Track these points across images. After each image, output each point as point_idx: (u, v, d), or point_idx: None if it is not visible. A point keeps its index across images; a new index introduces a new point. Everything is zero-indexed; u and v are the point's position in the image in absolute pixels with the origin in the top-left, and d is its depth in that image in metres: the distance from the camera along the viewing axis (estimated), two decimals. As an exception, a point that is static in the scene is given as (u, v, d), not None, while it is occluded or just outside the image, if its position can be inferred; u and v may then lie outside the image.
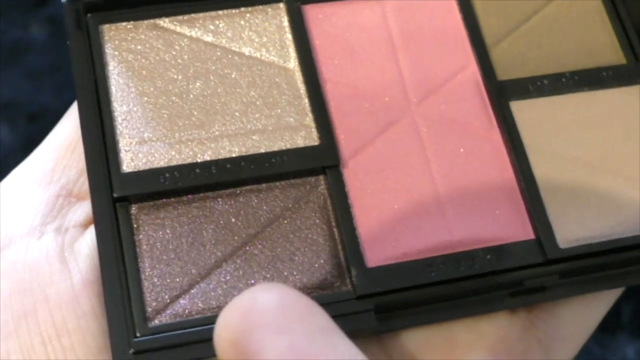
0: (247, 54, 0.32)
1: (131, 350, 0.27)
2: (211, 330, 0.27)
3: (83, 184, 0.31)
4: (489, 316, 0.30)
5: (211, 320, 0.28)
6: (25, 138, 0.50)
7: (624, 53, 0.34)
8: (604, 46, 0.34)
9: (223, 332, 0.22)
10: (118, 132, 0.30)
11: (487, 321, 0.30)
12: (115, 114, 0.30)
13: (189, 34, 0.32)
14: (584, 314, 0.31)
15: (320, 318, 0.22)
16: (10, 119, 0.51)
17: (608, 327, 0.32)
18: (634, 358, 0.44)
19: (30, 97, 0.51)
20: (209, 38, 0.32)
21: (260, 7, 0.33)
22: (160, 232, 0.29)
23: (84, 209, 0.31)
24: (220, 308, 0.28)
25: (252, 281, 0.29)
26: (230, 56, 0.32)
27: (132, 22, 0.32)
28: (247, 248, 0.29)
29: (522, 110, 0.32)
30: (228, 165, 0.30)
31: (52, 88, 0.51)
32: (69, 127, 0.32)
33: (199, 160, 0.30)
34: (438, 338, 0.30)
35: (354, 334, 0.29)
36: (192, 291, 0.28)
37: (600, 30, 0.34)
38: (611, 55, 0.34)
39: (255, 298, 0.22)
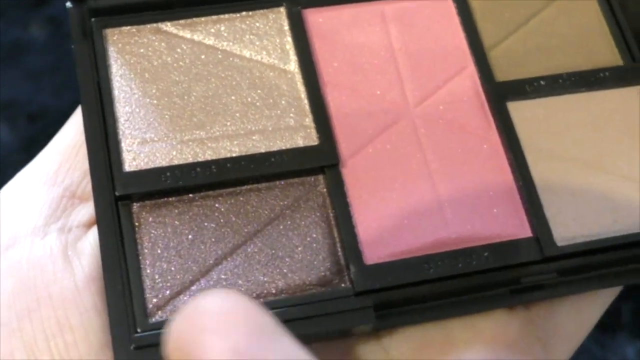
0: (248, 56, 0.33)
1: (132, 346, 0.27)
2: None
3: (86, 185, 0.31)
4: (487, 314, 0.30)
5: (211, 316, 0.28)
6: (25, 138, 0.51)
7: (620, 54, 0.34)
8: (601, 47, 0.35)
9: (170, 336, 0.23)
10: (120, 132, 0.31)
11: (485, 318, 0.30)
12: (118, 114, 0.31)
13: (190, 37, 0.33)
14: (582, 311, 0.31)
15: (262, 319, 0.22)
16: (10, 119, 0.51)
17: (608, 327, 0.32)
18: (634, 358, 0.44)
19: (30, 97, 0.51)
20: (210, 41, 0.33)
21: (261, 11, 0.33)
22: (162, 230, 0.29)
23: (87, 209, 0.31)
24: (220, 304, 0.28)
25: (252, 278, 0.29)
26: (231, 59, 0.32)
27: (135, 26, 0.33)
28: (247, 246, 0.29)
29: (520, 110, 0.33)
30: (228, 165, 0.30)
31: (52, 88, 0.52)
32: (73, 129, 0.32)
33: (199, 160, 0.30)
34: (436, 335, 0.30)
35: (353, 330, 0.29)
36: (193, 288, 0.29)
37: (597, 32, 0.35)
38: (608, 56, 0.34)
39: (198, 303, 0.22)
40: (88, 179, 0.31)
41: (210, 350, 0.21)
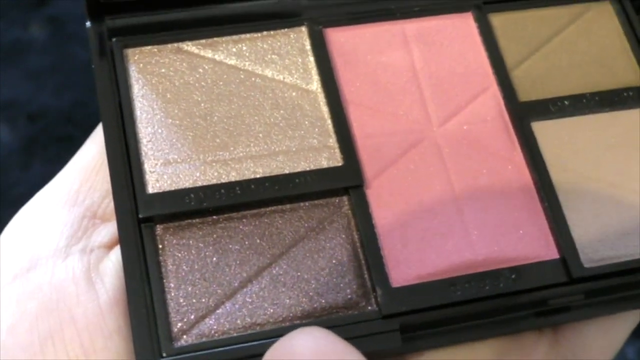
0: (270, 76, 0.32)
1: (157, 371, 0.27)
2: (236, 351, 0.28)
3: (107, 205, 0.31)
4: (515, 335, 0.30)
5: (236, 340, 0.28)
6: (25, 138, 0.50)
7: (643, 74, 0.34)
8: (623, 67, 0.34)
9: None
10: (143, 153, 0.30)
11: (512, 340, 0.30)
12: (140, 135, 0.31)
13: (212, 57, 0.32)
14: (609, 332, 0.31)
15: None
16: (10, 119, 0.51)
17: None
18: (634, 358, 0.44)
19: (30, 97, 0.51)
20: (232, 61, 0.32)
21: (283, 30, 0.33)
22: (186, 253, 0.29)
23: (108, 230, 0.31)
24: (245, 328, 0.28)
25: (278, 301, 0.29)
26: (253, 79, 0.32)
27: (156, 46, 0.32)
28: (272, 268, 0.29)
29: (544, 130, 0.32)
30: (252, 186, 0.30)
31: (52, 88, 0.51)
32: (93, 149, 0.32)
33: (223, 181, 0.30)
34: (463, 358, 0.30)
35: (379, 353, 0.29)
36: (218, 311, 0.28)
37: (619, 51, 0.35)
38: (631, 75, 0.34)
39: (293, 343, 0.24)
40: (109, 198, 0.31)
41: None
